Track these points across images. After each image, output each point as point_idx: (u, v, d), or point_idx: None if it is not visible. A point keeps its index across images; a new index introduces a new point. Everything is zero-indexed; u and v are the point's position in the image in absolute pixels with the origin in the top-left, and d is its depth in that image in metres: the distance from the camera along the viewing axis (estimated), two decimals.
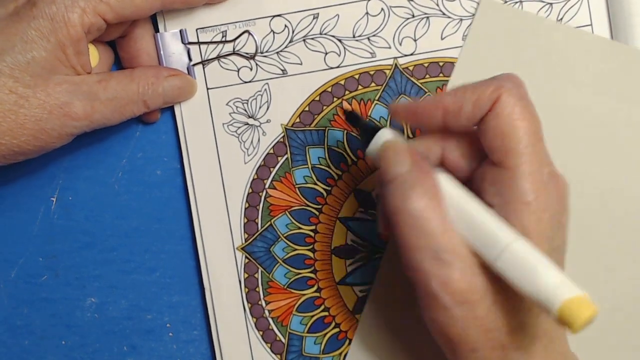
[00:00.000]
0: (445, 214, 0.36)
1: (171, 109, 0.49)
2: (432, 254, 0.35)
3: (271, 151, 0.49)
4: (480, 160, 0.39)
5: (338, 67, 0.48)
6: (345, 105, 0.48)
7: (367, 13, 0.48)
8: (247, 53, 0.48)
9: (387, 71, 0.48)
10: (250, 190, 0.49)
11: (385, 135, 0.40)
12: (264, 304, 0.49)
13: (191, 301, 0.50)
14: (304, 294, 0.49)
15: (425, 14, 0.48)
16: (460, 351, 0.37)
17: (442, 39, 0.48)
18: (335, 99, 0.48)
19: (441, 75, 0.48)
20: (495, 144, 0.36)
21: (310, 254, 0.49)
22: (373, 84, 0.48)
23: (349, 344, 0.49)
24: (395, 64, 0.48)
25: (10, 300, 0.51)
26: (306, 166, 0.49)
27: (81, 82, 0.44)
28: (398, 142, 0.39)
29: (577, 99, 0.47)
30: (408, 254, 0.36)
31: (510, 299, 0.37)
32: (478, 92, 0.37)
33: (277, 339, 0.49)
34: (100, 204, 0.50)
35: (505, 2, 0.47)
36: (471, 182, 0.39)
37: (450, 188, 0.37)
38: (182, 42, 0.48)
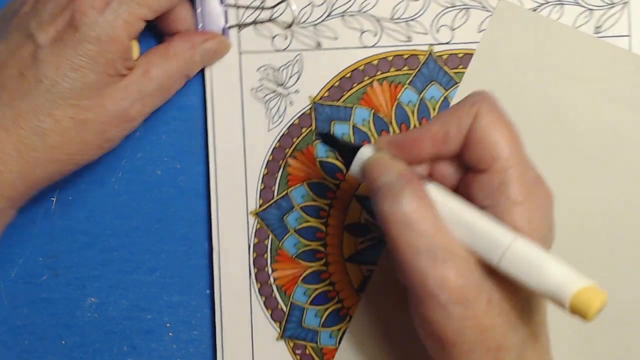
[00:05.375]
0: (436, 215, 0.37)
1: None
2: (427, 253, 0.36)
3: (296, 122, 0.49)
4: (465, 169, 0.40)
5: (373, 46, 0.48)
6: (320, 129, 0.48)
7: None
8: (283, 22, 0.49)
9: (421, 57, 0.48)
10: (271, 158, 0.49)
11: (366, 152, 0.41)
12: (270, 271, 0.50)
13: (191, 301, 0.50)
14: (311, 266, 0.49)
15: (466, 5, 0.48)
16: (455, 353, 0.37)
17: (479, 32, 0.48)
18: (366, 77, 0.48)
19: None
20: (482, 152, 0.38)
21: (323, 228, 0.49)
22: (406, 68, 0.48)
23: (350, 320, 0.49)
24: (430, 51, 0.48)
25: (10, 300, 0.51)
26: None
27: (130, 84, 0.44)
28: (382, 156, 0.40)
29: (588, 104, 0.47)
30: (402, 255, 0.36)
31: (506, 298, 0.37)
32: (458, 113, 0.38)
33: (279, 307, 0.50)
34: (100, 204, 0.50)
35: (547, 2, 0.48)
36: (458, 191, 0.40)
37: (440, 196, 0.38)
38: (221, 3, 0.48)
